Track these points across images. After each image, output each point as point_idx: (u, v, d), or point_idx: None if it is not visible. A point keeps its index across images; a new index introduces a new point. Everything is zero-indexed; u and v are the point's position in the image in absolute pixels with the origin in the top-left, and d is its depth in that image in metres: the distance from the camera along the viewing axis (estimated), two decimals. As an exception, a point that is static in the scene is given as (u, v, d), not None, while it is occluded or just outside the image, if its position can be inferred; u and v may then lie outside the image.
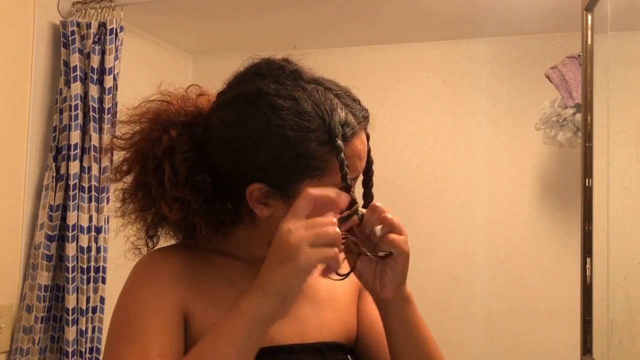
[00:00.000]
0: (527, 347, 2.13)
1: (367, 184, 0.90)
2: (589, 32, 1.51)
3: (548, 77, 1.97)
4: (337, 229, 0.72)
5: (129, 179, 0.89)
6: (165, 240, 0.94)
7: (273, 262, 0.73)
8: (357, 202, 0.79)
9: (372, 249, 0.80)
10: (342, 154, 0.77)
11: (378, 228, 0.79)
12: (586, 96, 1.51)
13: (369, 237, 0.81)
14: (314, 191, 0.74)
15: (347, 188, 0.78)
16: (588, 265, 1.47)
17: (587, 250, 1.48)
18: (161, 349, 0.78)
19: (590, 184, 1.48)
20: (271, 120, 0.78)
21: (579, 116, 1.85)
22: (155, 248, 0.92)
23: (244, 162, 0.81)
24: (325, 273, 0.77)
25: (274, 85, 0.80)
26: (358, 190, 0.87)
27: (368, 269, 0.83)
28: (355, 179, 0.84)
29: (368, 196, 0.90)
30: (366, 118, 0.84)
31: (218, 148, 0.83)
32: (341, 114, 0.80)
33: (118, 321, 0.83)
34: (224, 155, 0.82)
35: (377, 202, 0.81)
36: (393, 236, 0.79)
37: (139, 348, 0.77)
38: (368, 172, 0.89)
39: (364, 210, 0.81)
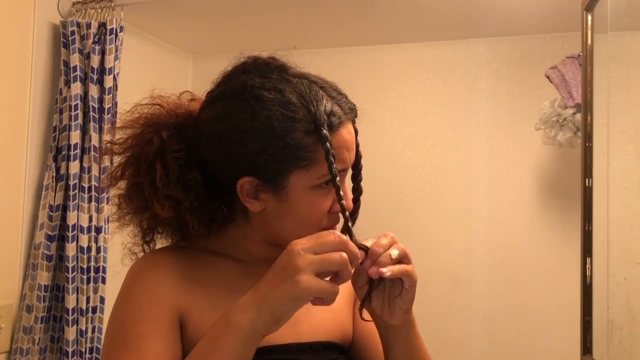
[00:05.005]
0: (527, 347, 2.13)
1: (356, 178, 0.91)
2: (589, 32, 1.51)
3: (548, 77, 1.97)
4: (344, 255, 0.72)
5: (124, 184, 0.90)
6: (162, 245, 0.94)
7: (275, 279, 0.72)
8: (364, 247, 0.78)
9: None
10: (327, 143, 0.78)
11: (395, 252, 0.78)
12: (586, 96, 1.51)
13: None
14: (343, 238, 0.73)
15: (333, 178, 0.78)
16: (588, 265, 1.47)
17: (587, 250, 1.48)
18: (157, 356, 0.78)
19: (590, 184, 1.48)
20: (257, 112, 0.79)
21: (579, 116, 1.85)
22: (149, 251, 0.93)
23: (233, 156, 0.82)
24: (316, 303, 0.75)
25: (259, 79, 0.82)
26: (347, 185, 0.87)
27: (377, 297, 0.82)
28: (344, 171, 0.85)
29: (357, 190, 0.91)
30: (352, 110, 0.85)
31: (207, 143, 0.84)
32: (327, 104, 0.81)
33: (114, 328, 0.83)
34: (214, 150, 0.83)
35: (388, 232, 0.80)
36: (404, 266, 0.78)
37: (135, 356, 0.77)
38: (357, 166, 0.90)
39: (367, 244, 0.79)
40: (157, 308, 0.81)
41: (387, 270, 0.76)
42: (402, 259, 0.79)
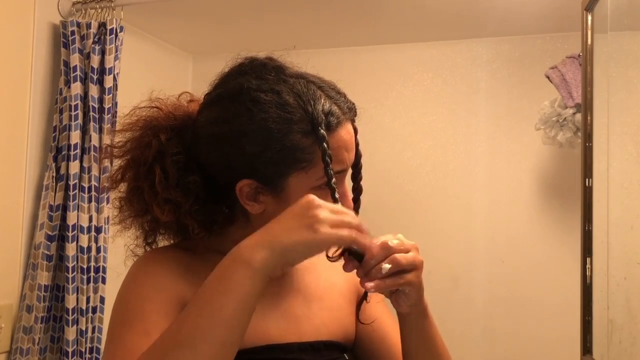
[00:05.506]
0: (527, 347, 2.13)
1: (356, 178, 0.91)
2: (589, 32, 1.51)
3: (548, 77, 1.97)
4: (357, 221, 0.73)
5: (125, 187, 0.90)
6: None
7: (290, 223, 0.71)
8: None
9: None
10: (324, 143, 0.77)
11: (386, 267, 0.76)
12: (586, 96, 1.51)
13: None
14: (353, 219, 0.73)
15: (329, 180, 0.78)
16: (588, 265, 1.47)
17: (587, 250, 1.48)
18: (161, 330, 0.77)
19: (590, 184, 1.48)
20: (254, 114, 0.79)
21: (579, 116, 1.85)
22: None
23: (231, 158, 0.81)
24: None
25: (255, 81, 0.82)
26: (348, 184, 0.87)
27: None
28: (344, 171, 0.84)
29: (357, 189, 0.91)
30: (352, 109, 0.85)
31: (206, 146, 0.84)
32: (324, 104, 0.81)
33: (118, 311, 0.83)
34: (213, 153, 0.83)
35: (389, 239, 0.79)
36: (395, 280, 0.78)
37: (140, 328, 0.77)
38: (357, 166, 0.90)
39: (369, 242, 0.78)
40: (161, 293, 0.81)
41: (372, 286, 0.76)
42: (407, 266, 0.77)
